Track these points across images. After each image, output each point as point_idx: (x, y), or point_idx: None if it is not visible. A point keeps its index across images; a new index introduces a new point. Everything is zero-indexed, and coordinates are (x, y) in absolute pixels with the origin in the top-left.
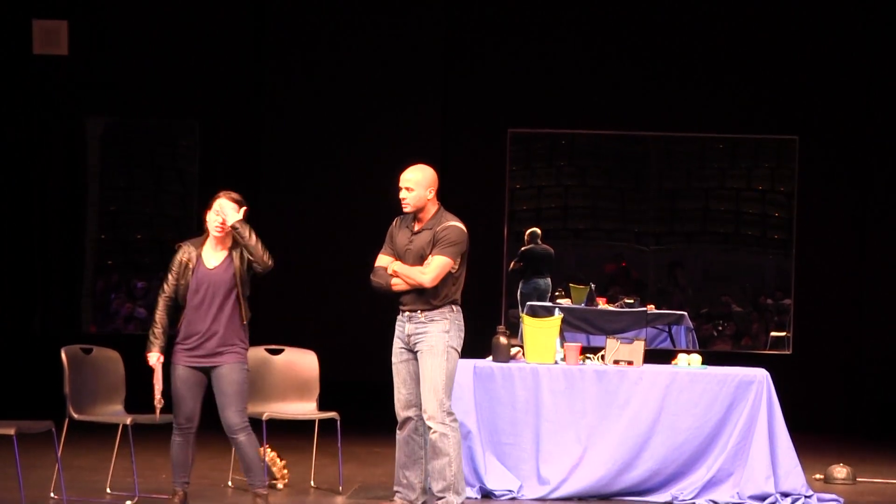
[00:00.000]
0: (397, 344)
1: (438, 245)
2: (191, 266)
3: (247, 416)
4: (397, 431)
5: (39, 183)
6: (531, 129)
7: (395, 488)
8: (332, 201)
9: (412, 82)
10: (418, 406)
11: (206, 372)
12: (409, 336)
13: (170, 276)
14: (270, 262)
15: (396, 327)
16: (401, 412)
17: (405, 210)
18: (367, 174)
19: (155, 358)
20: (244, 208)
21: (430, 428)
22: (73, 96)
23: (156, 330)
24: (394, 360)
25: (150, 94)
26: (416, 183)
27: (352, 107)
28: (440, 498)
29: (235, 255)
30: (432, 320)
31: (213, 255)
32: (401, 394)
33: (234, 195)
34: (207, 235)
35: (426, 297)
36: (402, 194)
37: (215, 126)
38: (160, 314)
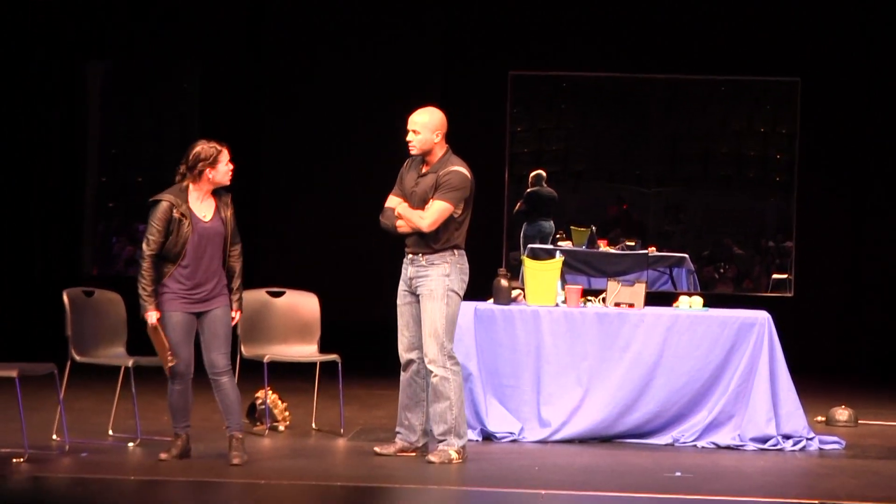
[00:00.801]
0: (401, 286)
1: (440, 190)
2: (185, 221)
3: (229, 358)
4: (401, 373)
5: (40, 126)
6: (532, 71)
7: (397, 430)
8: (334, 138)
9: (413, 23)
10: (421, 349)
11: (198, 316)
12: (411, 279)
13: (156, 232)
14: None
15: (402, 270)
16: (403, 354)
17: (412, 152)
18: (370, 108)
19: (155, 317)
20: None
21: (430, 371)
22: (74, 39)
23: (148, 288)
24: (398, 302)
25: (150, 36)
26: (423, 126)
27: (352, 44)
28: (441, 440)
29: (223, 212)
30: (433, 264)
31: (201, 208)
32: (403, 336)
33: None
34: (188, 185)
35: (427, 241)
36: (409, 137)
37: (216, 68)
38: (149, 271)
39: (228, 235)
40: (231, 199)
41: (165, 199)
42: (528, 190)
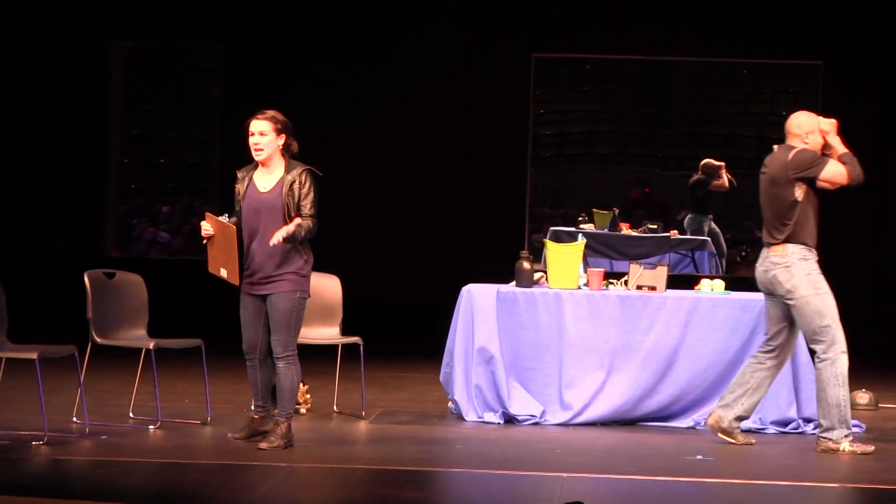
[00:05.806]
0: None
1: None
2: (241, 192)
3: (293, 346)
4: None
5: (63, 106)
6: (556, 53)
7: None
8: (358, 123)
9: (436, 5)
10: None
11: (264, 299)
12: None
13: (236, 207)
14: (315, 228)
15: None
16: None
17: None
18: (394, 91)
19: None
20: (297, 223)
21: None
22: (97, 19)
23: None
24: None
25: (174, 16)
26: None
27: (375, 27)
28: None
29: (286, 185)
30: None
31: (265, 178)
32: None
33: (269, 114)
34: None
35: None
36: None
37: (240, 48)
38: None
39: (285, 207)
40: (303, 173)
41: (237, 172)
42: (697, 177)
